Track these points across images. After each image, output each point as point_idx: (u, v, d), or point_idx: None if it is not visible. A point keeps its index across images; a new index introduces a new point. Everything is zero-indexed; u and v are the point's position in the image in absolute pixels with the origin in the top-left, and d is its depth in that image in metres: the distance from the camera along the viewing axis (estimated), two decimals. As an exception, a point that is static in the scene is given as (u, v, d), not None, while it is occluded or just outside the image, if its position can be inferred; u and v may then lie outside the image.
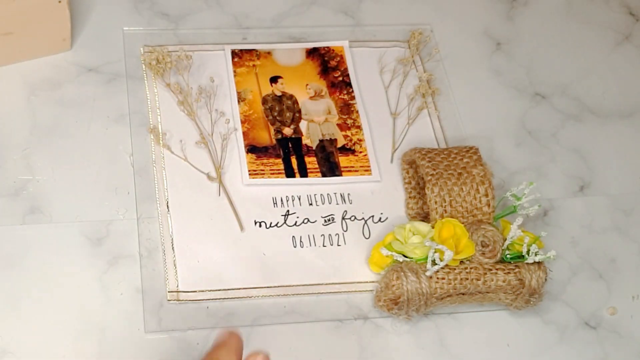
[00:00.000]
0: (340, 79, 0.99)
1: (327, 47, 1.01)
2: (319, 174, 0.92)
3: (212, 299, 0.83)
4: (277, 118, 0.95)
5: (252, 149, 0.92)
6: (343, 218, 0.90)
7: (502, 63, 1.06)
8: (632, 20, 1.13)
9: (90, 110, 0.93)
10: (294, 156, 0.93)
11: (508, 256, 0.84)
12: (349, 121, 0.96)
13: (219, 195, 0.89)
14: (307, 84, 0.98)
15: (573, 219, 0.95)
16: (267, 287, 0.84)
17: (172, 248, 0.85)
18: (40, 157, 0.89)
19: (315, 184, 0.91)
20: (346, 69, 1.00)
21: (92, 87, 0.94)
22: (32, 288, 0.81)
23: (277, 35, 1.02)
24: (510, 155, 0.98)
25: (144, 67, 0.96)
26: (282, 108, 0.96)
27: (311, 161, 0.93)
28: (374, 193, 0.92)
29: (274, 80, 0.98)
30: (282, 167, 0.92)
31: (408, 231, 0.85)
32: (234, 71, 0.97)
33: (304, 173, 0.92)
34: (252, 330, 0.82)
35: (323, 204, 0.91)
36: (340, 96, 0.98)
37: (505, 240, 0.84)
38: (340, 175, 0.92)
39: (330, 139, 0.95)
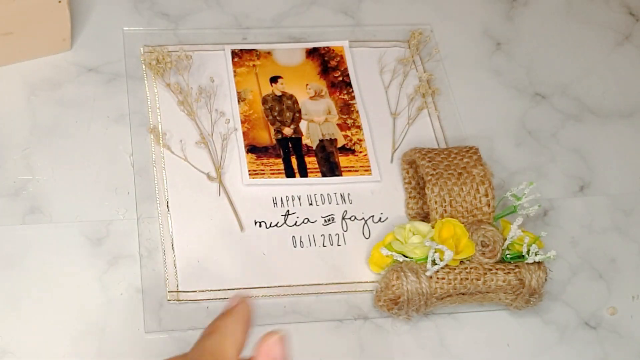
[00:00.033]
0: (340, 79, 0.99)
1: (327, 47, 1.01)
2: (319, 174, 0.92)
3: (212, 299, 0.83)
4: (277, 118, 0.95)
5: (252, 149, 0.92)
6: (343, 218, 0.90)
7: (502, 63, 1.06)
8: (632, 20, 1.13)
9: (90, 110, 0.93)
10: (294, 156, 0.93)
11: (508, 256, 0.84)
12: (349, 121, 0.96)
13: (219, 195, 0.89)
14: (307, 84, 0.98)
15: (573, 219, 0.95)
16: (267, 287, 0.85)
17: (172, 248, 0.85)
18: (40, 157, 0.89)
19: (315, 184, 0.91)
20: (346, 69, 1.00)
21: (92, 87, 0.94)
22: (32, 288, 0.81)
23: (277, 35, 1.02)
24: (510, 155, 0.98)
25: (144, 67, 0.96)
26: (282, 108, 0.96)
27: (311, 161, 0.93)
28: (374, 193, 0.92)
29: (274, 80, 0.98)
30: (282, 167, 0.92)
31: (408, 231, 0.85)
32: (234, 71, 0.97)
33: (304, 173, 0.92)
34: (252, 330, 0.82)
35: (323, 204, 0.91)
36: (340, 96, 0.98)
37: (505, 240, 0.84)
38: (340, 175, 0.92)
39: (330, 139, 0.95)
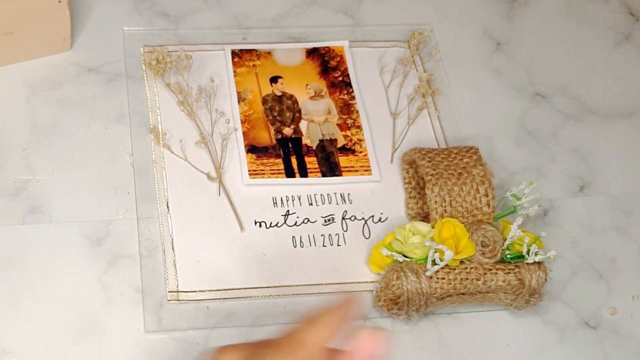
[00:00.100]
0: (340, 79, 0.99)
1: (327, 47, 1.01)
2: (319, 174, 0.92)
3: (212, 299, 0.83)
4: (277, 118, 0.95)
5: (252, 149, 0.92)
6: (343, 218, 0.90)
7: (502, 63, 1.06)
8: (632, 20, 1.13)
9: (90, 110, 0.93)
10: (294, 156, 0.93)
11: (508, 256, 0.84)
12: (349, 121, 0.96)
13: (219, 195, 0.89)
14: (307, 84, 0.98)
15: (573, 219, 0.95)
16: (267, 287, 0.84)
17: (172, 248, 0.85)
18: (40, 157, 0.89)
19: (315, 184, 0.91)
20: (346, 69, 1.00)
21: (92, 87, 0.94)
22: (32, 288, 0.81)
23: (277, 35, 1.02)
24: (510, 155, 0.98)
25: (144, 67, 0.96)
26: (282, 108, 0.96)
27: (311, 161, 0.93)
28: (374, 193, 0.92)
29: (274, 80, 0.98)
30: (282, 167, 0.92)
31: (408, 231, 0.85)
32: (234, 71, 0.97)
33: (304, 173, 0.92)
34: (252, 330, 0.82)
35: (323, 204, 0.91)
36: (340, 96, 0.98)
37: (505, 240, 0.84)
38: (340, 175, 0.92)
39: (330, 139, 0.95)
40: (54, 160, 0.89)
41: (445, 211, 0.85)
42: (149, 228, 0.86)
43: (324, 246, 0.88)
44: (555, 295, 0.89)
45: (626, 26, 1.12)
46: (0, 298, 0.80)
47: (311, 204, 0.90)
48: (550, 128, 1.01)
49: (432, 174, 0.85)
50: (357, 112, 0.97)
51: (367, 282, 0.86)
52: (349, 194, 0.92)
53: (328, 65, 1.00)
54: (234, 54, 0.99)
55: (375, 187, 0.92)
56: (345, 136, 0.95)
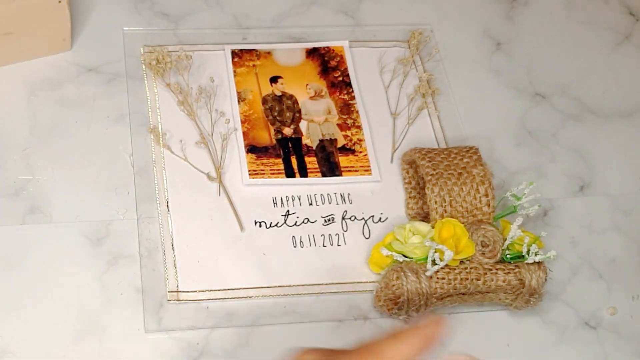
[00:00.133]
0: (340, 79, 0.99)
1: (327, 47, 1.01)
2: (319, 174, 0.92)
3: (212, 299, 0.83)
4: (277, 118, 0.95)
5: (252, 149, 0.92)
6: (343, 218, 0.90)
7: (502, 63, 1.06)
8: (632, 20, 1.13)
9: (90, 110, 0.93)
10: (294, 156, 0.93)
11: (508, 256, 0.84)
12: (349, 121, 0.96)
13: (219, 195, 0.89)
14: (307, 84, 0.98)
15: (573, 219, 0.95)
16: (267, 287, 0.84)
17: (172, 248, 0.85)
18: (40, 157, 0.89)
19: (315, 184, 0.91)
20: (346, 69, 1.00)
21: (92, 87, 0.94)
22: (32, 288, 0.81)
23: (277, 35, 1.02)
24: (510, 155, 0.98)
25: (144, 67, 0.96)
26: (282, 108, 0.96)
27: (311, 161, 0.93)
28: (374, 193, 0.92)
29: (274, 80, 0.98)
30: (282, 167, 0.92)
31: (408, 231, 0.85)
32: (234, 71, 0.97)
33: (304, 173, 0.92)
34: (252, 330, 0.82)
35: (323, 204, 0.91)
36: (340, 96, 0.98)
37: (505, 240, 0.84)
38: (340, 175, 0.92)
39: (330, 139, 0.95)
40: (54, 160, 0.89)
41: (445, 211, 0.85)
42: (149, 228, 0.86)
43: (324, 246, 0.88)
44: (555, 295, 0.89)
45: (626, 26, 1.12)
46: (0, 298, 0.80)
47: (311, 204, 0.90)
48: (550, 128, 1.01)
49: (432, 174, 0.85)
50: (357, 112, 0.97)
51: (367, 282, 0.86)
52: (349, 194, 0.92)
53: (328, 65, 1.00)
54: (234, 54, 0.99)
55: (375, 187, 0.92)
56: (345, 136, 0.95)
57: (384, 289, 0.83)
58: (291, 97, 0.97)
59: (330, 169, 0.92)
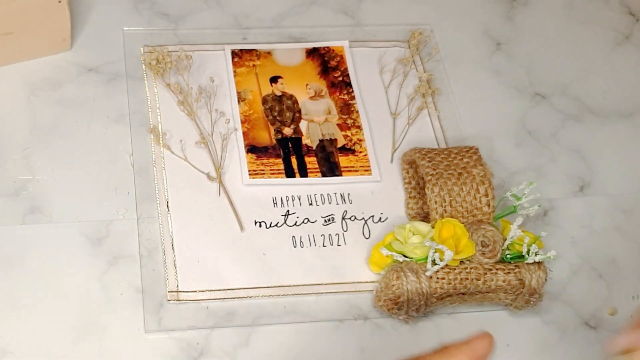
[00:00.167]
0: (340, 79, 0.99)
1: (327, 47, 1.01)
2: (319, 174, 0.92)
3: (212, 299, 0.83)
4: (277, 118, 0.95)
5: (252, 149, 0.92)
6: (343, 218, 0.90)
7: (502, 63, 1.06)
8: (632, 20, 1.13)
9: (90, 110, 0.93)
10: (294, 156, 0.93)
11: (508, 256, 0.84)
12: (349, 121, 0.96)
13: (219, 195, 0.89)
14: (307, 84, 0.98)
15: (573, 219, 0.95)
16: (267, 287, 0.84)
17: (172, 248, 0.85)
18: (40, 157, 0.89)
19: (315, 184, 0.91)
20: (346, 69, 1.00)
21: (92, 87, 0.94)
22: (32, 288, 0.81)
23: (277, 35, 1.02)
24: (510, 155, 0.98)
25: (144, 67, 0.96)
26: (282, 108, 0.96)
27: (311, 161, 0.93)
28: (374, 193, 0.92)
29: (274, 80, 0.98)
30: (282, 167, 0.92)
31: (408, 231, 0.85)
32: (234, 71, 0.97)
33: (304, 173, 0.92)
34: (252, 330, 0.82)
35: (323, 204, 0.91)
36: (340, 96, 0.98)
37: (505, 240, 0.84)
38: (340, 175, 0.92)
39: (330, 139, 0.95)
40: (54, 160, 0.89)
41: (445, 211, 0.85)
42: (149, 228, 0.86)
43: (324, 246, 0.88)
44: (555, 295, 0.89)
45: (626, 26, 1.12)
46: (0, 298, 0.80)
47: (311, 204, 0.90)
48: (550, 128, 1.01)
49: (432, 174, 0.85)
50: (357, 112, 0.97)
51: (367, 282, 0.86)
52: (349, 194, 0.92)
53: (328, 65, 1.00)
54: (234, 54, 0.99)
55: (375, 187, 0.92)
56: (345, 136, 0.95)
57: (384, 289, 0.83)
58: (291, 97, 0.97)
59: (330, 169, 0.92)
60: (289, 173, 0.91)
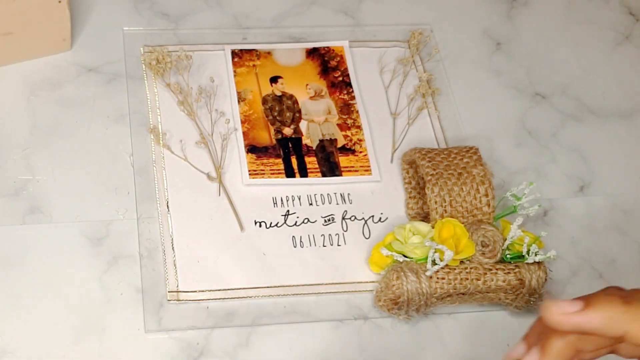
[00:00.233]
0: (340, 79, 0.99)
1: (327, 47, 1.01)
2: (319, 174, 0.92)
3: (212, 299, 0.83)
4: (277, 118, 0.95)
5: (252, 149, 0.92)
6: (343, 218, 0.90)
7: (502, 63, 1.06)
8: (632, 20, 1.13)
9: (90, 110, 0.93)
10: (294, 156, 0.93)
11: (508, 256, 0.84)
12: (349, 121, 0.96)
13: (219, 195, 0.89)
14: (307, 84, 0.98)
15: (573, 219, 0.95)
16: (267, 287, 0.84)
17: (172, 248, 0.85)
18: (40, 157, 0.89)
19: (315, 184, 0.91)
20: (346, 69, 1.00)
21: (92, 87, 0.94)
22: (32, 288, 0.81)
23: (277, 35, 1.02)
24: (510, 155, 0.98)
25: (144, 67, 0.96)
26: (282, 108, 0.96)
27: (311, 161, 0.93)
28: (374, 193, 0.92)
29: (274, 80, 0.98)
30: (282, 167, 0.92)
31: (408, 231, 0.85)
32: (234, 71, 0.97)
33: (304, 173, 0.92)
34: (252, 330, 0.82)
35: (323, 204, 0.91)
36: (340, 96, 0.98)
37: (505, 240, 0.84)
38: (340, 175, 0.92)
39: (330, 139, 0.95)
40: (54, 160, 0.89)
41: (445, 211, 0.85)
42: (149, 228, 0.86)
43: (324, 246, 0.88)
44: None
45: (626, 26, 1.12)
46: (0, 298, 0.80)
47: (311, 204, 0.90)
48: (550, 128, 1.01)
49: (432, 174, 0.85)
50: (357, 112, 0.97)
51: (367, 282, 0.86)
52: (349, 194, 0.92)
53: (328, 65, 1.00)
54: (234, 54, 0.99)
55: (375, 187, 0.92)
56: (345, 136, 0.95)
57: (384, 289, 0.83)
58: (291, 97, 0.97)
59: (330, 169, 0.92)
60: (289, 173, 0.91)
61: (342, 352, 0.83)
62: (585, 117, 1.03)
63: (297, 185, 0.91)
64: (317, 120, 0.96)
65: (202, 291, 0.83)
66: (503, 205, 0.87)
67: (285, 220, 0.89)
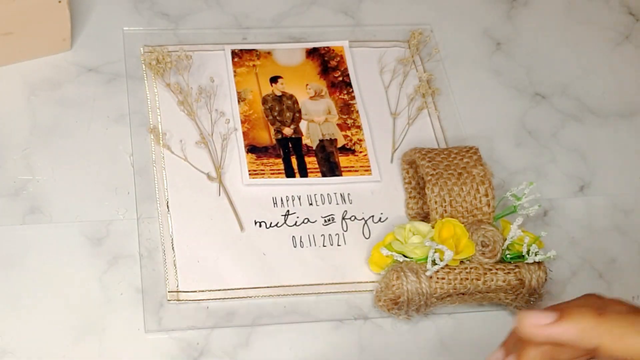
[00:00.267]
0: (340, 79, 0.99)
1: (327, 47, 1.01)
2: (319, 174, 0.92)
3: (212, 299, 0.83)
4: (277, 118, 0.95)
5: (252, 149, 0.92)
6: (343, 218, 0.90)
7: (502, 63, 1.06)
8: (632, 20, 1.13)
9: (90, 110, 0.93)
10: (294, 156, 0.93)
11: (508, 256, 0.84)
12: (349, 121, 0.96)
13: (219, 195, 0.89)
14: (307, 84, 0.98)
15: (573, 219, 0.95)
16: (267, 287, 0.84)
17: (172, 248, 0.85)
18: (40, 157, 0.89)
19: (315, 184, 0.91)
20: (346, 69, 1.00)
21: (92, 87, 0.94)
22: (32, 288, 0.81)
23: (277, 35, 1.02)
24: (510, 155, 0.98)
25: (144, 67, 0.96)
26: (282, 108, 0.96)
27: (311, 161, 0.93)
28: (374, 193, 0.92)
29: (274, 80, 0.98)
30: (282, 167, 0.92)
31: (408, 231, 0.85)
32: (234, 71, 0.97)
33: (304, 173, 0.92)
34: (252, 330, 0.82)
35: (323, 204, 0.91)
36: (340, 96, 0.98)
37: (505, 240, 0.84)
38: (340, 175, 0.92)
39: (330, 139, 0.95)
40: (54, 160, 0.89)
41: (445, 211, 0.85)
42: (149, 228, 0.86)
43: (324, 246, 0.88)
44: (555, 295, 0.89)
45: (626, 26, 1.12)
46: (0, 298, 0.80)
47: (311, 204, 0.90)
48: (550, 128, 1.01)
49: (432, 174, 0.85)
50: (357, 112, 0.97)
51: (367, 282, 0.86)
52: (349, 194, 0.92)
53: (328, 65, 1.00)
54: (234, 54, 0.99)
55: (375, 187, 0.92)
56: (345, 136, 0.95)
57: (384, 289, 0.83)
58: (291, 97, 0.97)
59: (330, 169, 0.92)
60: (289, 173, 0.91)
61: (342, 352, 0.83)
62: (585, 117, 1.03)
63: (297, 185, 0.91)
64: (317, 120, 0.96)
65: (202, 291, 0.83)
66: (503, 205, 0.87)
67: (285, 220, 0.89)
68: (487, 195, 0.85)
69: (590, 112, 1.04)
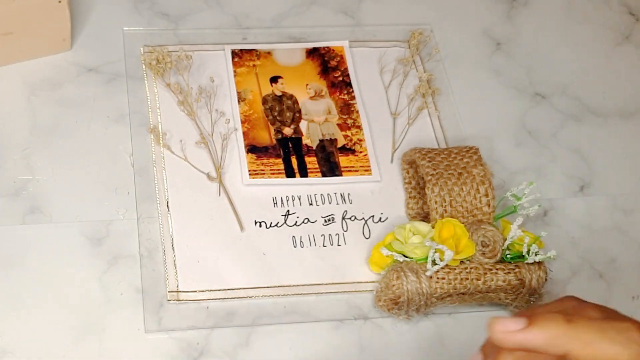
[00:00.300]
0: (340, 79, 0.99)
1: (327, 47, 1.01)
2: (319, 174, 0.92)
3: (212, 299, 0.83)
4: (277, 118, 0.95)
5: (252, 149, 0.92)
6: (343, 218, 0.90)
7: (502, 63, 1.06)
8: (632, 20, 1.13)
9: (90, 110, 0.93)
10: (294, 156, 0.93)
11: (508, 256, 0.84)
12: (349, 121, 0.96)
13: (219, 195, 0.89)
14: (307, 84, 0.98)
15: (573, 219, 0.95)
16: (267, 287, 0.84)
17: (172, 248, 0.85)
18: (40, 157, 0.89)
19: (315, 184, 0.91)
20: (346, 69, 1.00)
21: (92, 87, 0.94)
22: (32, 288, 0.81)
23: (277, 35, 1.02)
24: (510, 155, 0.98)
25: (144, 67, 0.96)
26: (282, 108, 0.96)
27: (311, 161, 0.93)
28: (374, 193, 0.92)
29: (274, 80, 0.98)
30: (282, 167, 0.92)
31: (408, 231, 0.85)
32: (234, 71, 0.97)
33: (304, 173, 0.92)
34: (252, 330, 0.82)
35: (323, 204, 0.91)
36: (340, 96, 0.98)
37: (505, 240, 0.84)
38: (340, 175, 0.92)
39: (331, 139, 0.95)
40: (54, 160, 0.89)
41: (445, 211, 0.85)
42: (149, 228, 0.86)
43: (324, 246, 0.88)
44: (555, 295, 0.89)
45: (626, 26, 1.12)
46: (0, 298, 0.80)
47: (311, 204, 0.90)
48: (550, 128, 1.01)
49: (432, 174, 0.85)
50: (357, 112, 0.97)
51: (367, 282, 0.86)
52: (349, 194, 0.92)
53: (328, 65, 1.00)
54: (234, 54, 0.99)
55: (375, 187, 0.92)
56: (345, 136, 0.95)
57: (384, 289, 0.83)
58: (291, 97, 0.97)
59: (331, 169, 0.92)
60: (289, 173, 0.91)
61: (342, 352, 0.83)
62: (585, 117, 1.03)
63: (297, 185, 0.91)
64: (317, 120, 0.96)
65: (202, 291, 0.83)
66: (503, 205, 0.87)
67: (285, 220, 0.89)
68: (487, 195, 0.85)
69: (590, 112, 1.04)
